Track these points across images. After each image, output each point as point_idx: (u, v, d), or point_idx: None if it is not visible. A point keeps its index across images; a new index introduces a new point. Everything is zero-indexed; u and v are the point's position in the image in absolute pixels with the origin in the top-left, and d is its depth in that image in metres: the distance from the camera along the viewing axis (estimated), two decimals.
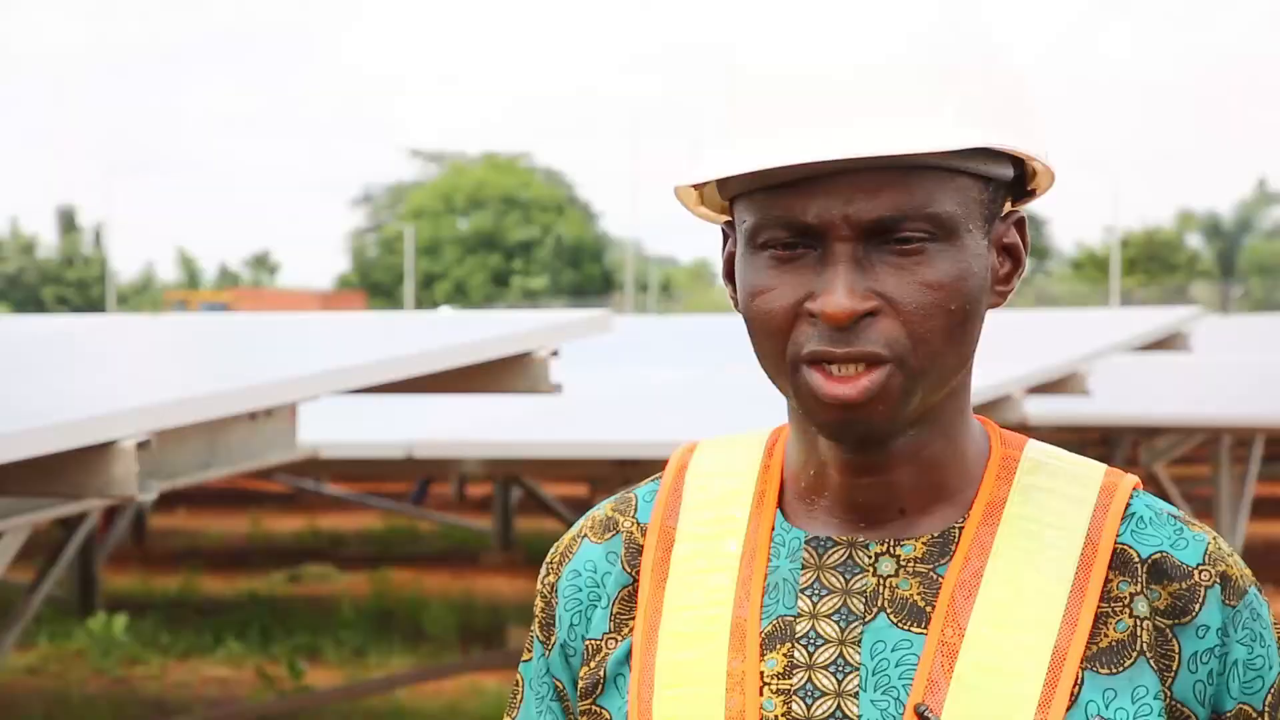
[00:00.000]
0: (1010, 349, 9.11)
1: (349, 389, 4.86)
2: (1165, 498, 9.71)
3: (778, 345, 1.30)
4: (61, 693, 8.96)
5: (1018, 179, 1.36)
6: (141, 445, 3.85)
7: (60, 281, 61.19)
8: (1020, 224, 1.37)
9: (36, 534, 11.90)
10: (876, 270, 1.28)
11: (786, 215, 1.28)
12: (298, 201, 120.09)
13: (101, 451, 3.82)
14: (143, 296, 64.68)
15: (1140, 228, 59.03)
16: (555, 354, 5.19)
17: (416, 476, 16.62)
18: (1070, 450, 1.42)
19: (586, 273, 60.10)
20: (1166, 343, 10.39)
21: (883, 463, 1.33)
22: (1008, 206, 1.38)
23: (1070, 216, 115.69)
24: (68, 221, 63.68)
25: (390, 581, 12.31)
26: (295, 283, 75.30)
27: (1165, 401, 9.50)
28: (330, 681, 9.15)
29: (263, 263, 69.99)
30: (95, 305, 58.76)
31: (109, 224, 70.63)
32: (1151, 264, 55.21)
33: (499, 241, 58.82)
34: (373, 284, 60.86)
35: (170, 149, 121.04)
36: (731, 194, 1.33)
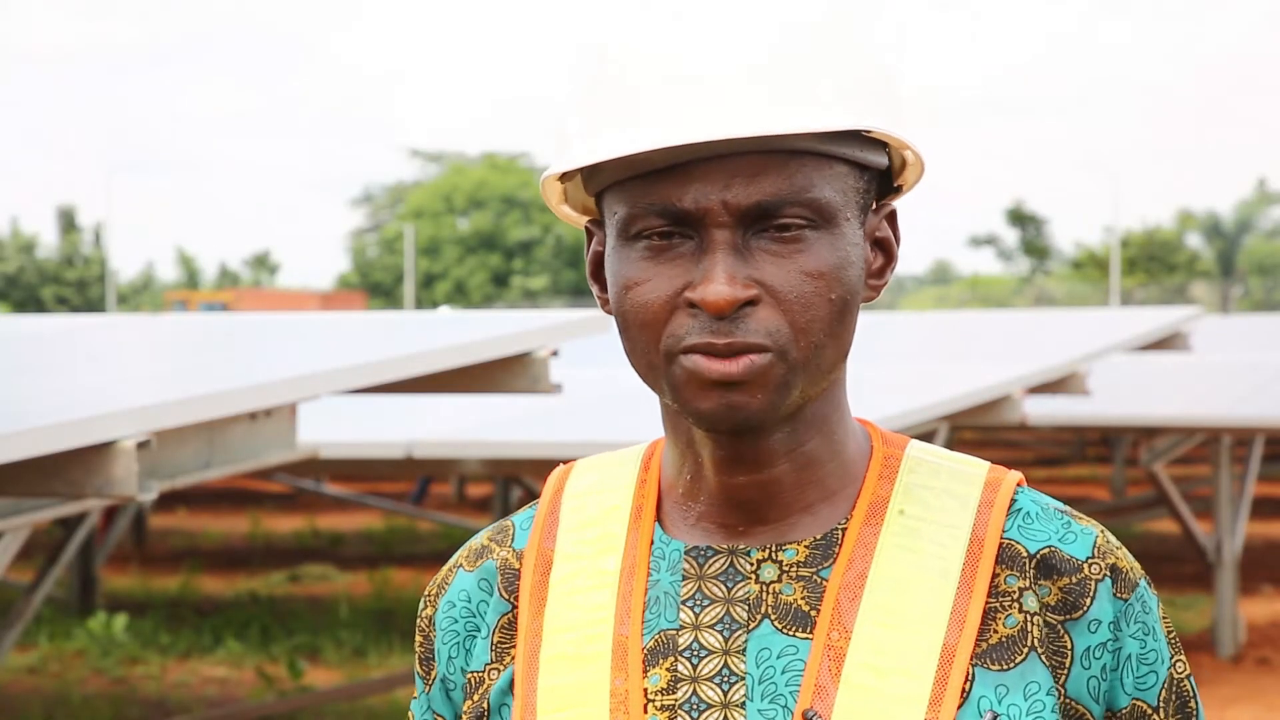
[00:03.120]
0: (1010, 349, 9.11)
1: (349, 389, 4.86)
2: (1165, 498, 9.71)
3: (653, 338, 1.26)
4: (61, 693, 8.96)
5: (885, 173, 1.34)
6: (141, 445, 3.85)
7: (60, 281, 61.14)
8: (891, 217, 1.34)
9: (36, 534, 11.92)
10: (756, 258, 1.25)
11: (662, 202, 1.25)
12: (298, 201, 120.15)
13: (101, 451, 3.81)
14: (143, 296, 64.67)
15: (1140, 228, 59.05)
16: (555, 354, 5.18)
17: (416, 476, 16.62)
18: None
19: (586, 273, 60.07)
20: (1166, 343, 10.38)
21: (759, 459, 1.30)
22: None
23: (1070, 216, 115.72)
24: (68, 221, 63.62)
25: (390, 581, 12.31)
26: (295, 283, 75.37)
27: (1165, 401, 9.49)
28: (330, 681, 9.15)
29: (263, 263, 69.96)
30: (95, 305, 58.74)
31: (109, 224, 70.63)
32: (1151, 264, 55.18)
33: (499, 241, 58.80)
34: (373, 284, 60.85)
35: (170, 149, 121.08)
36: (600, 186, 1.30)
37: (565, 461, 1.45)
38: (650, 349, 1.27)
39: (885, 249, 1.33)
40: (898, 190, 1.36)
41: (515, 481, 10.68)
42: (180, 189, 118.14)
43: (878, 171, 1.31)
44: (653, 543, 1.34)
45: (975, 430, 15.03)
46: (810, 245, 1.25)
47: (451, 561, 1.43)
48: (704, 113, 1.23)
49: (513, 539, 1.40)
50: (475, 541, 1.42)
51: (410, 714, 1.44)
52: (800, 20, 1.27)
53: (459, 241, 59.03)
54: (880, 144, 1.30)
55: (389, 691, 8.54)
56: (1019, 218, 59.93)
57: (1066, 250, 61.13)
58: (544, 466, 7.33)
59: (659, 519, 1.36)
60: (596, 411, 7.34)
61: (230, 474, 4.65)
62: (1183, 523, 9.76)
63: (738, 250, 1.24)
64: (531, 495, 11.14)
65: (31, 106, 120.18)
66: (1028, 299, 53.70)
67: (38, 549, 11.97)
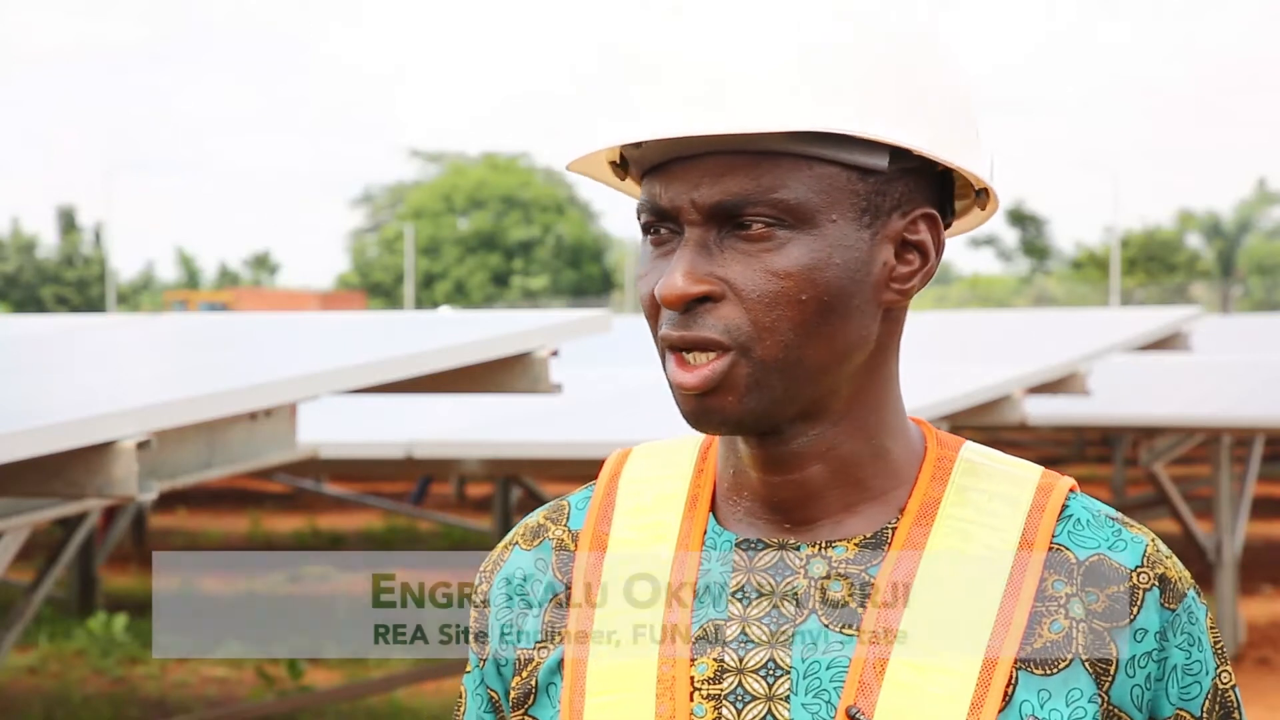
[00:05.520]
0: (1010, 349, 9.12)
1: (349, 389, 4.86)
2: (1165, 498, 9.71)
3: (653, 329, 1.31)
4: (61, 693, 8.96)
5: (944, 177, 1.33)
6: (141, 445, 3.85)
7: (60, 281, 61.14)
8: (931, 221, 1.32)
9: (36, 534, 11.91)
10: (725, 256, 1.27)
11: (651, 200, 1.30)
12: (298, 201, 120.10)
13: (101, 451, 3.82)
14: (143, 296, 64.67)
15: (1140, 228, 59.02)
16: (555, 354, 5.19)
17: (416, 476, 16.62)
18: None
19: (586, 273, 60.07)
20: (1166, 343, 10.40)
21: (788, 460, 1.32)
22: (969, 213, 1.36)
23: (1070, 216, 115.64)
24: (68, 221, 63.61)
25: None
26: (295, 283, 75.36)
27: (1165, 401, 9.49)
28: (330, 681, 9.15)
29: (263, 263, 69.95)
30: (95, 305, 58.73)
31: (109, 224, 70.70)
32: (1151, 264, 55.17)
33: (499, 241, 58.80)
34: (373, 284, 60.84)
35: (170, 149, 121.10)
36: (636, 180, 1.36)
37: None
38: (655, 339, 1.31)
39: (921, 251, 1.32)
40: (981, 195, 1.36)
41: (515, 481, 10.69)
42: (180, 189, 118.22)
43: (883, 172, 1.29)
44: (705, 532, 1.36)
45: (975, 430, 15.02)
46: (781, 245, 1.26)
47: (506, 540, 1.44)
48: (679, 113, 1.26)
49: (568, 518, 1.42)
50: (531, 520, 1.44)
51: (462, 689, 1.45)
52: (800, 23, 1.27)
53: (459, 241, 59.03)
54: (882, 146, 1.28)
55: (389, 691, 8.54)
56: (1019, 218, 59.89)
57: (1066, 250, 61.10)
58: (544, 466, 7.33)
59: (712, 509, 1.37)
60: (596, 411, 7.34)
61: (230, 474, 4.65)
62: (1183, 523, 9.76)
63: (705, 248, 1.27)
64: (532, 495, 11.13)
65: (31, 106, 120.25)
66: (1028, 299, 53.70)
67: (38, 549, 11.96)
